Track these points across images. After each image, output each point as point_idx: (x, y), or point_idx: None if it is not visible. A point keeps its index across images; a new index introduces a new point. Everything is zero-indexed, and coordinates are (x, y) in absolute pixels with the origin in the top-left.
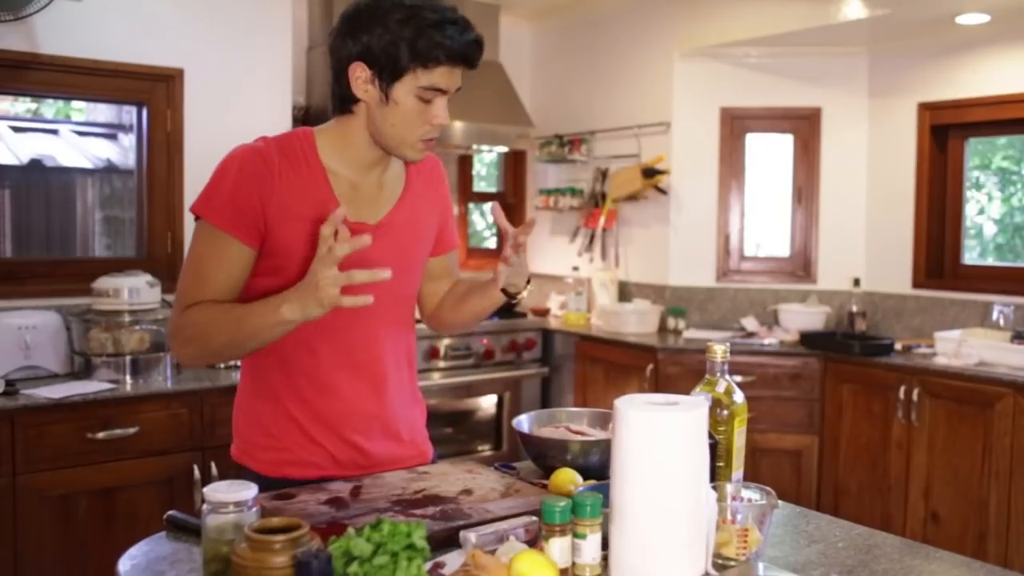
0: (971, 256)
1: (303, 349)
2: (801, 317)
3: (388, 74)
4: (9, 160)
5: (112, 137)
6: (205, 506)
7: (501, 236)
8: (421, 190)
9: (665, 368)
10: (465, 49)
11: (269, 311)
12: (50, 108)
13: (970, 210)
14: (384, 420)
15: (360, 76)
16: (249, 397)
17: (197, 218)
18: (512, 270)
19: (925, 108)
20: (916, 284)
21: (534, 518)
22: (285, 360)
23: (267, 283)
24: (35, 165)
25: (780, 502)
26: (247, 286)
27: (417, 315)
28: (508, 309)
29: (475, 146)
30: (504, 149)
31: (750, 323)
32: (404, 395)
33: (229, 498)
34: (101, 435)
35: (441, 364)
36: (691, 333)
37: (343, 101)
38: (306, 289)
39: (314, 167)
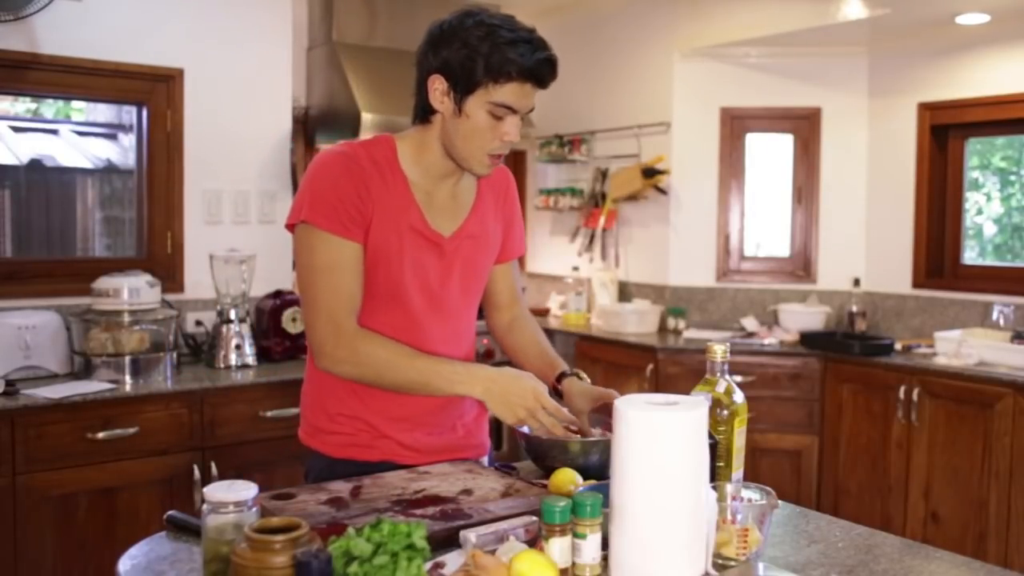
0: (971, 256)
1: None
2: (801, 317)
3: (462, 87)
4: (9, 160)
5: (112, 137)
6: (205, 506)
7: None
8: (490, 201)
9: (665, 368)
10: (536, 67)
11: (461, 375)
12: (50, 108)
13: (970, 210)
14: (445, 414)
15: (438, 88)
16: (315, 383)
17: (295, 225)
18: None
19: (925, 108)
20: (916, 284)
21: (534, 518)
22: None
23: (372, 281)
24: (35, 165)
25: (780, 502)
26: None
27: None
28: None
29: None
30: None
31: (750, 323)
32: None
33: (229, 498)
34: (101, 435)
35: None
36: (691, 333)
37: (422, 111)
38: (510, 397)
39: (397, 174)
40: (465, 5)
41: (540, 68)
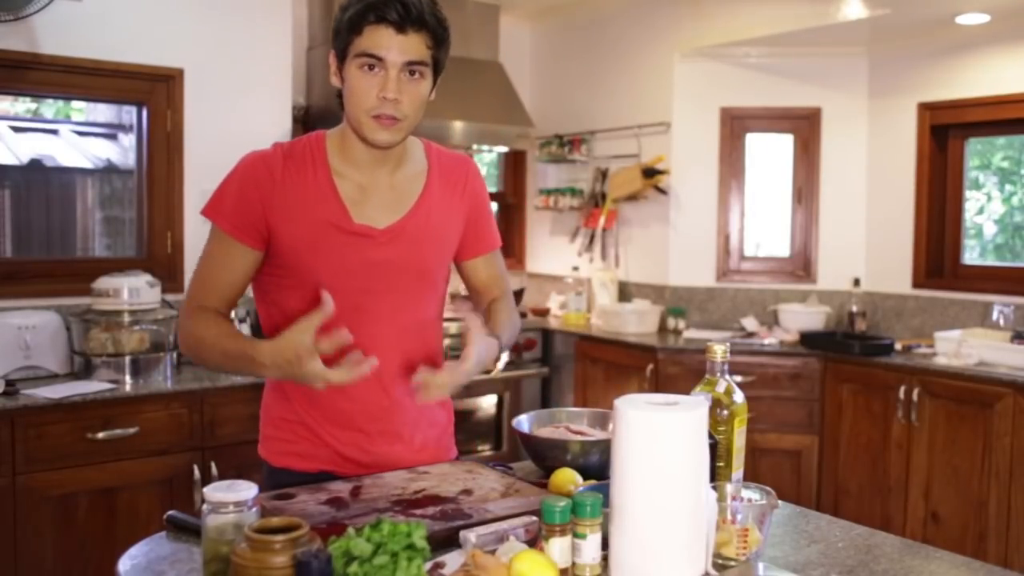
0: (971, 256)
1: None
2: (801, 317)
3: (339, 54)
4: (9, 160)
5: (112, 137)
6: (205, 506)
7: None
8: (441, 193)
9: (665, 368)
10: (380, 6)
11: (252, 364)
12: (50, 108)
13: (970, 210)
14: (389, 421)
15: (332, 67)
16: (266, 390)
17: (205, 217)
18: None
19: (925, 108)
20: (916, 284)
21: (534, 518)
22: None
23: (276, 281)
24: (35, 165)
25: (780, 502)
26: (259, 282)
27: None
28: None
29: (475, 146)
30: (504, 149)
31: (750, 323)
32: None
33: (229, 498)
34: (101, 435)
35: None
36: (691, 333)
37: (339, 98)
38: (286, 364)
39: (320, 168)
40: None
41: (387, 8)
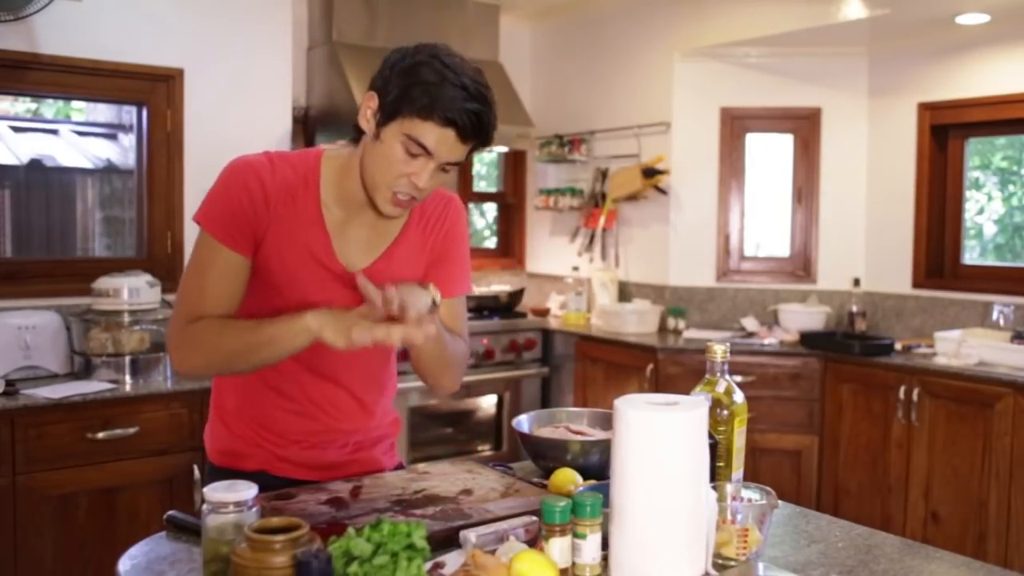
0: (971, 256)
1: (281, 376)
2: (801, 317)
3: (386, 110)
4: (9, 160)
5: (112, 137)
6: (205, 506)
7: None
8: (415, 238)
9: (665, 368)
10: (459, 114)
11: (292, 317)
12: (50, 108)
13: (970, 210)
14: (367, 434)
15: (368, 106)
16: (213, 390)
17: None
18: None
19: (925, 108)
20: (916, 284)
21: (534, 518)
22: (266, 380)
23: (261, 302)
24: (35, 165)
25: (780, 502)
26: (244, 307)
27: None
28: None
29: None
30: (504, 149)
31: (750, 323)
32: (387, 409)
33: (229, 498)
34: (101, 435)
35: None
36: (691, 333)
37: (355, 129)
38: (340, 320)
39: (311, 195)
40: (436, 44)
41: (463, 117)
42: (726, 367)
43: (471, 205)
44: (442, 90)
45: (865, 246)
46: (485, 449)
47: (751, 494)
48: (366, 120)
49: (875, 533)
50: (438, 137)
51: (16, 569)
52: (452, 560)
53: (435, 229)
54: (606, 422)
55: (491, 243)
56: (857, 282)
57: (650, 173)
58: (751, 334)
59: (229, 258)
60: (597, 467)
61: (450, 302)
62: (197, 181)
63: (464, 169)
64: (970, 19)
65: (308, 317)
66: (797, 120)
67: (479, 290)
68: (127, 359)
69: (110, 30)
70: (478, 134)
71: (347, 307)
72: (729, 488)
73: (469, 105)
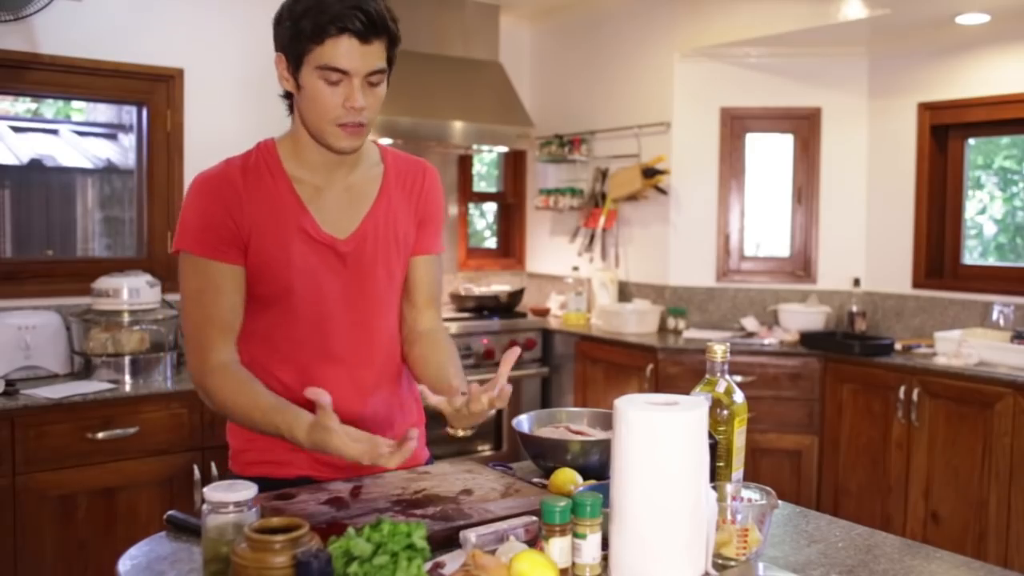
0: (971, 256)
1: (281, 357)
2: (801, 317)
3: (294, 60)
4: (9, 160)
5: (112, 137)
6: (205, 506)
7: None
8: (398, 197)
9: (665, 368)
10: (343, 19)
11: (291, 423)
12: (50, 108)
13: (971, 210)
14: (365, 425)
15: (281, 69)
16: None
17: (176, 252)
18: (474, 417)
19: (925, 108)
20: (916, 284)
21: (534, 518)
22: (265, 366)
23: (260, 291)
24: (35, 165)
25: (780, 502)
26: (248, 295)
27: None
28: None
29: (475, 146)
30: (504, 149)
31: (750, 323)
32: (392, 400)
33: (229, 498)
34: (101, 435)
35: None
36: (691, 333)
37: (286, 98)
38: (323, 444)
39: (278, 177)
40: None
41: (351, 20)
42: (726, 367)
43: (471, 205)
44: (320, 8)
45: (865, 246)
46: (485, 449)
47: (751, 494)
48: (285, 80)
49: (875, 533)
50: (342, 51)
51: (16, 569)
52: (452, 560)
53: (419, 193)
54: (606, 422)
55: (491, 243)
56: (857, 282)
57: (650, 173)
58: (751, 334)
59: (222, 272)
60: (597, 467)
61: (428, 261)
62: None
63: (464, 169)
64: (970, 19)
65: (301, 435)
66: (797, 120)
67: (479, 290)
68: (127, 359)
69: (110, 30)
70: (375, 29)
71: (339, 279)
72: (729, 488)
73: (348, 4)
